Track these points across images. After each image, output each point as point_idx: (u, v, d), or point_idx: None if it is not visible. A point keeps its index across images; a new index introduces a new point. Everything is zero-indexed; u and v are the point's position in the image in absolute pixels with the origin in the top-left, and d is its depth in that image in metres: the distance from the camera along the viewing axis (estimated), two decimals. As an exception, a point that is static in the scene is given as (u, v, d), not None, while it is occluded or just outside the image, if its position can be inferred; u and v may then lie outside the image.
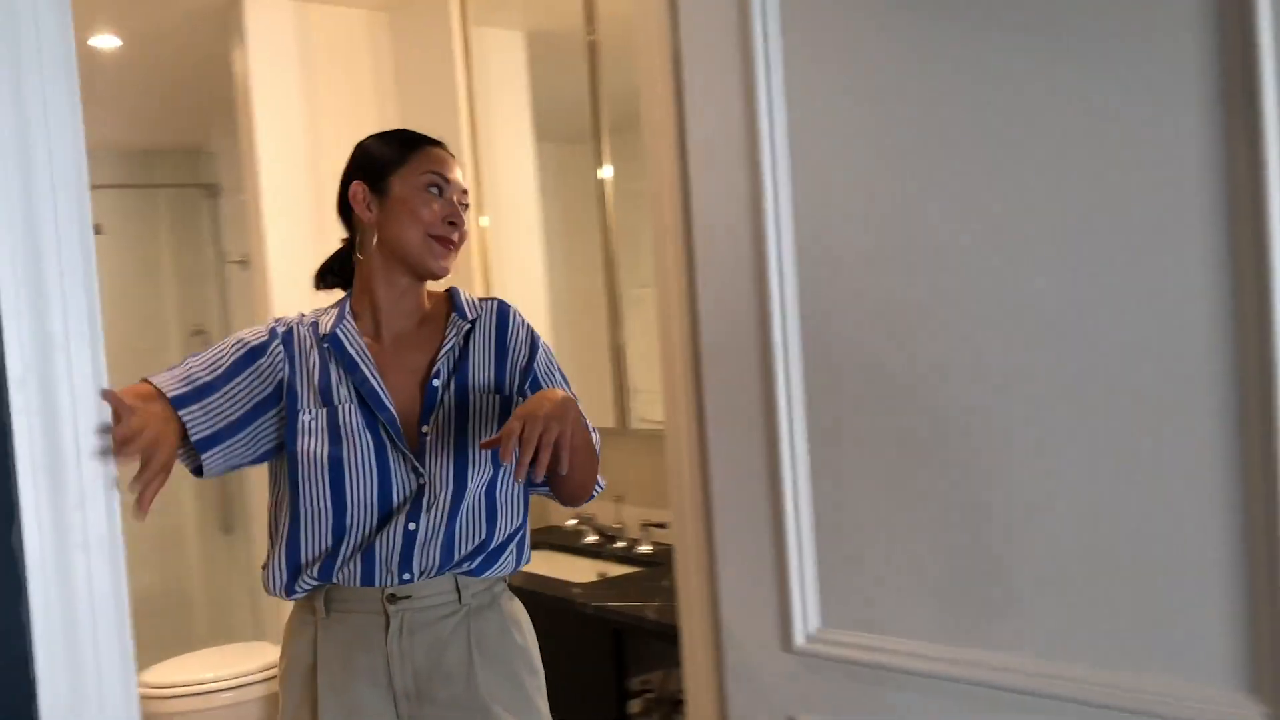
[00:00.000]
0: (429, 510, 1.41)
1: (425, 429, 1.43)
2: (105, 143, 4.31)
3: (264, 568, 1.47)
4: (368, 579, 1.40)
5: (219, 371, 1.40)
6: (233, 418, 1.39)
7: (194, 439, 1.35)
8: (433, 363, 1.47)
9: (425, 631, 1.42)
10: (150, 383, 1.35)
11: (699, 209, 1.33)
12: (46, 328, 0.81)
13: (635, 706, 2.22)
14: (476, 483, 1.44)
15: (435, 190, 1.45)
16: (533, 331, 1.55)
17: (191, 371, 1.38)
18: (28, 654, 0.79)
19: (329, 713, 1.40)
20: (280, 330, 1.47)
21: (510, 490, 1.49)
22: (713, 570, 1.39)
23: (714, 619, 1.39)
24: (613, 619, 2.15)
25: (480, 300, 1.55)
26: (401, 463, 1.42)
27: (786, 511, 1.29)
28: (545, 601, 2.25)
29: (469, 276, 2.94)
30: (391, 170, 1.46)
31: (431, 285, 1.53)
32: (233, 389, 1.40)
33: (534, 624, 1.55)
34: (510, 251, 2.98)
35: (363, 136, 1.54)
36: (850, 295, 1.22)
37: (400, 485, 1.41)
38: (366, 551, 1.40)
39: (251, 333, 1.47)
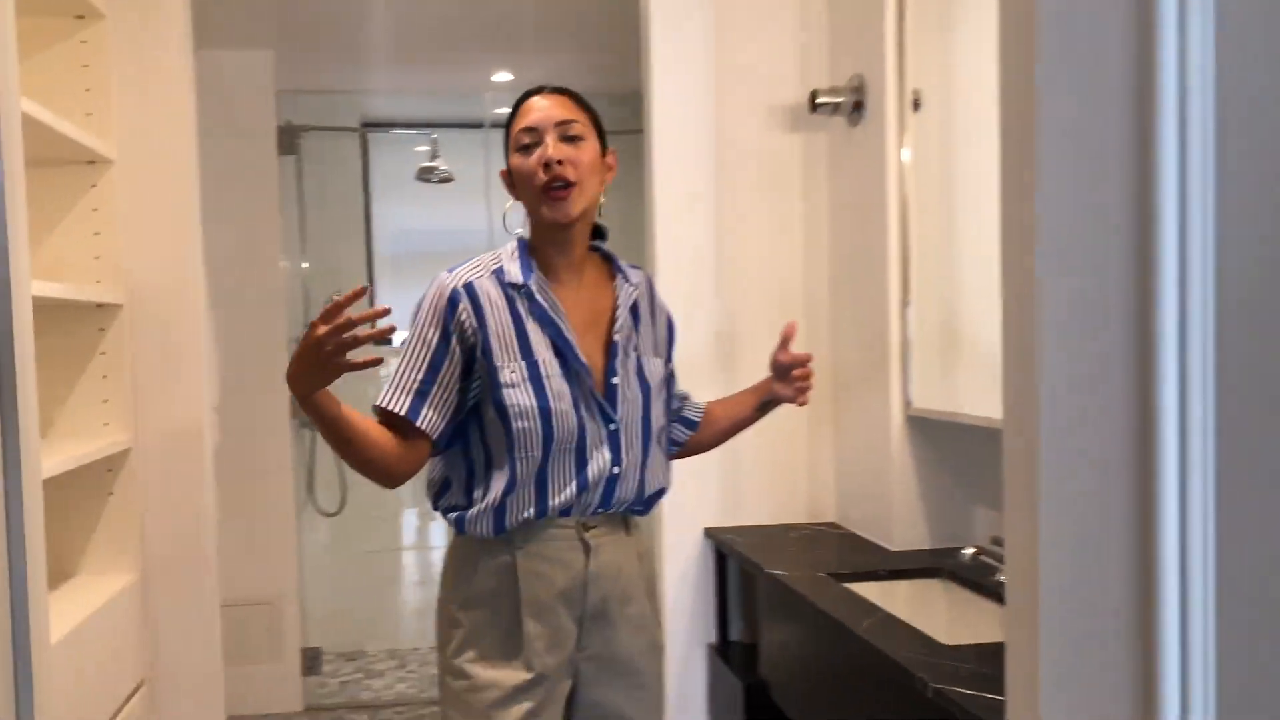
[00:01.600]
0: (627, 453, 1.53)
1: (614, 379, 1.53)
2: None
3: (453, 510, 1.54)
4: (565, 511, 1.51)
5: (428, 370, 1.49)
6: (452, 400, 1.50)
7: (434, 437, 1.49)
8: (611, 318, 1.56)
9: (612, 559, 1.55)
10: (383, 408, 1.48)
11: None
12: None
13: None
14: (658, 429, 1.58)
15: (525, 149, 1.50)
16: (666, 307, 1.70)
17: (405, 382, 1.48)
18: None
19: (533, 632, 1.51)
20: (462, 290, 1.50)
21: (660, 446, 1.61)
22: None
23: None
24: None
25: (632, 267, 1.64)
26: (597, 411, 1.51)
27: (1164, 539, 0.72)
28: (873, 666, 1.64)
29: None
30: (507, 139, 1.56)
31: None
32: (443, 377, 1.49)
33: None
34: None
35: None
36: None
37: (596, 431, 1.51)
38: (580, 487, 1.51)
39: (432, 307, 1.50)
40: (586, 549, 1.53)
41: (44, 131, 1.90)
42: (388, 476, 1.49)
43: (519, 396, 1.47)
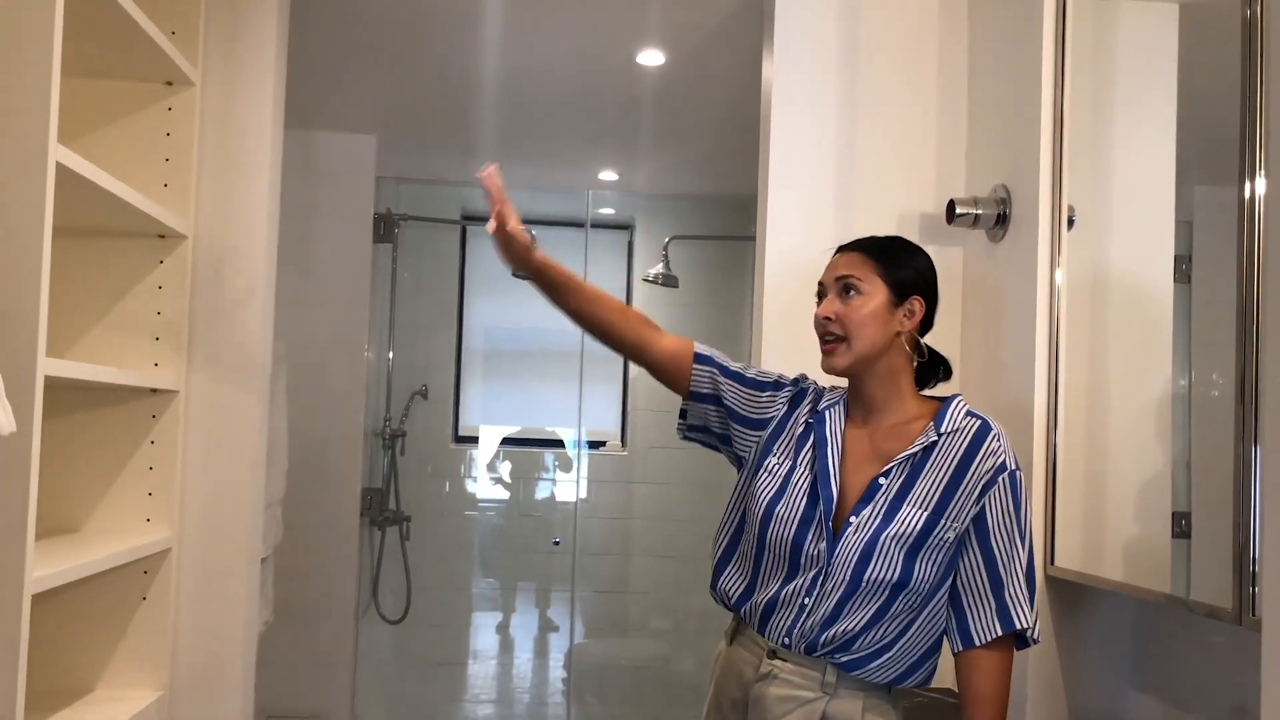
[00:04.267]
0: (822, 589, 1.54)
1: (852, 518, 1.55)
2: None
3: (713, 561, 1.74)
4: (762, 627, 1.59)
5: (745, 373, 1.72)
6: (725, 400, 1.70)
7: (691, 390, 1.71)
8: (890, 461, 1.58)
9: (783, 694, 1.55)
10: (692, 341, 1.74)
11: None
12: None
13: None
14: (874, 580, 1.52)
15: (818, 298, 1.66)
16: (1005, 469, 1.55)
17: (724, 356, 1.74)
18: None
19: None
20: (801, 385, 1.72)
21: (920, 614, 1.56)
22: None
23: None
24: None
25: (970, 415, 1.59)
26: (817, 539, 1.55)
27: None
28: None
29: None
30: None
31: (939, 390, 1.70)
32: (741, 390, 1.70)
33: None
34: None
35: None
36: None
37: (809, 558, 1.56)
38: (768, 603, 1.58)
39: (785, 375, 1.74)
40: (758, 670, 1.58)
41: (109, 199, 1.75)
42: (630, 334, 1.72)
43: (764, 485, 1.62)
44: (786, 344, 2.24)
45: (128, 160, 2.04)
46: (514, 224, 1.68)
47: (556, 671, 4.48)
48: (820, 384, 1.74)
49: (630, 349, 1.74)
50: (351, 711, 3.50)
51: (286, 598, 3.31)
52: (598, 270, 4.37)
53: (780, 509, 1.60)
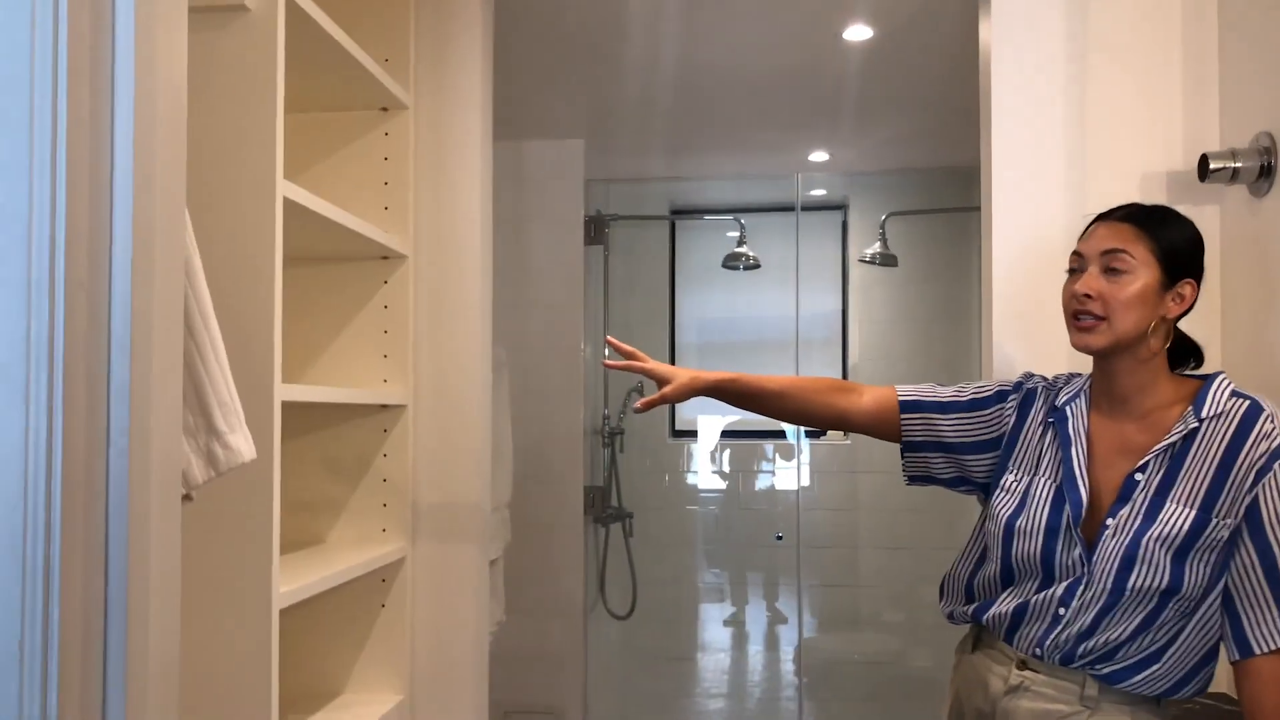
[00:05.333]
0: (1080, 598, 1.43)
1: (1109, 521, 1.43)
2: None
3: (945, 578, 1.66)
4: (1009, 636, 1.50)
5: (958, 399, 1.60)
6: (945, 439, 1.59)
7: (903, 440, 1.61)
8: (1146, 453, 1.44)
9: (1038, 708, 1.46)
10: (895, 388, 1.63)
11: None
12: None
13: None
14: (1138, 588, 1.40)
15: (1070, 273, 1.50)
16: None
17: (933, 389, 1.63)
18: None
19: None
20: (1026, 386, 1.59)
21: (1191, 619, 1.42)
22: None
23: None
24: None
25: (1236, 396, 1.43)
26: (1069, 547, 1.45)
27: None
28: None
29: None
30: None
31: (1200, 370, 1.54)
32: (961, 418, 1.59)
33: None
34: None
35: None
36: None
37: (1064, 568, 1.45)
38: (1017, 612, 1.48)
39: (1000, 381, 1.63)
40: (1007, 682, 1.49)
41: (333, 227, 1.83)
42: (828, 411, 1.64)
43: (1002, 503, 1.52)
44: (1020, 319, 2.08)
45: (350, 187, 2.13)
46: (652, 364, 1.67)
47: (786, 666, 4.41)
48: (1049, 377, 1.60)
49: (833, 423, 1.67)
50: (584, 706, 3.57)
51: (518, 597, 3.41)
52: (811, 254, 4.25)
53: (1022, 522, 1.48)
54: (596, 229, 3.88)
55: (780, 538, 4.26)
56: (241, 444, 1.32)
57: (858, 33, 2.76)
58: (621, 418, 4.15)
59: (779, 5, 2.58)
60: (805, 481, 4.34)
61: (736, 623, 4.48)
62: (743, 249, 4.10)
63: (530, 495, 3.50)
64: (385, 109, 2.14)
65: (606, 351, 4.16)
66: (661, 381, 1.67)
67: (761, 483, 4.44)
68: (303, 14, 1.64)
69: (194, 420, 1.29)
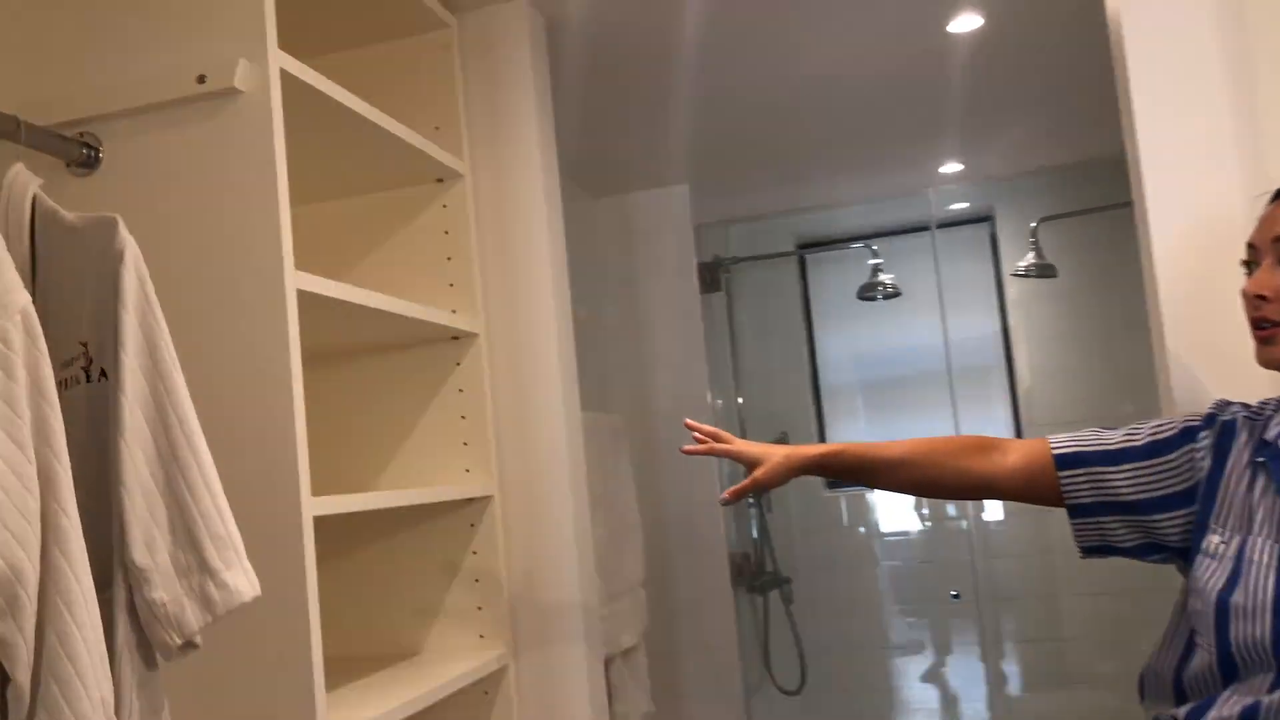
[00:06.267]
0: None
1: None
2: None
3: (1144, 672, 1.31)
4: None
5: (1132, 443, 1.28)
6: (1124, 497, 1.27)
7: (1067, 504, 1.30)
8: None
9: None
10: (1047, 440, 1.33)
11: None
12: None
13: None
14: None
15: (1245, 265, 1.25)
16: None
17: (1098, 436, 1.31)
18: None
19: None
20: (1221, 419, 1.26)
21: None
22: None
23: None
24: None
25: None
26: None
27: None
28: None
29: None
30: None
31: None
32: (1139, 468, 1.27)
33: None
34: None
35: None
36: None
37: None
38: (1245, 717, 1.14)
39: (1181, 416, 1.31)
40: None
41: (376, 314, 1.67)
42: (964, 477, 1.33)
43: (1208, 573, 1.19)
44: (1198, 326, 1.70)
45: (414, 266, 1.98)
46: (738, 445, 1.46)
47: (988, 731, 3.96)
48: (1252, 404, 1.27)
49: (973, 491, 1.37)
50: (758, 793, 3.27)
51: (667, 683, 3.15)
52: (956, 274, 3.89)
53: (1239, 598, 1.14)
54: (712, 275, 3.64)
55: (956, 596, 3.84)
56: (240, 581, 1.15)
57: (965, 22, 2.45)
58: (767, 473, 3.86)
59: (867, 7, 2.31)
60: (984, 529, 3.92)
61: (928, 687, 4.06)
62: (879, 277, 3.78)
63: (670, 571, 3.26)
64: (440, 180, 1.99)
65: (741, 401, 3.91)
66: (751, 464, 1.43)
67: (935, 531, 4.03)
68: (312, 90, 1.50)
69: (184, 558, 1.13)
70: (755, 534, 3.73)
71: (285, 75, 1.42)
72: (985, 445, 1.36)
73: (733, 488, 1.44)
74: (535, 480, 1.96)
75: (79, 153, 1.39)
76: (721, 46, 2.42)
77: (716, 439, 1.48)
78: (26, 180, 1.23)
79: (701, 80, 2.61)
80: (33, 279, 1.22)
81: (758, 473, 1.41)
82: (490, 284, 2.01)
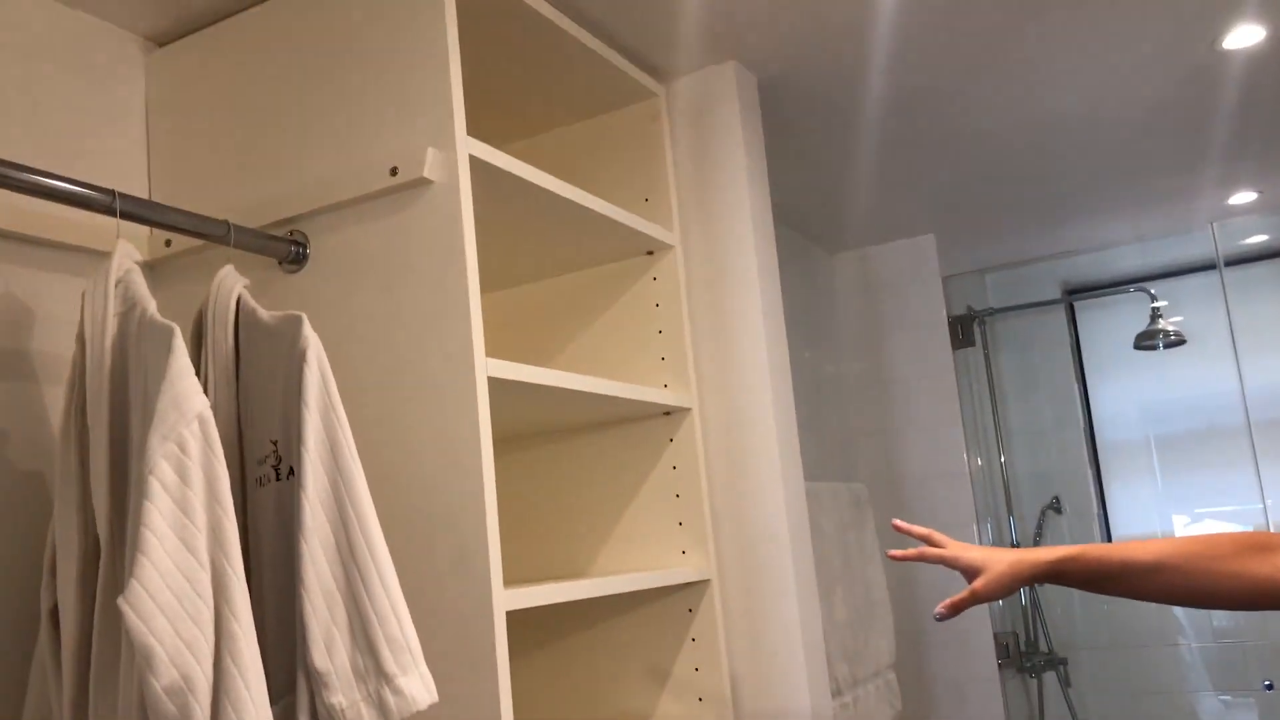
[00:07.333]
0: None
1: None
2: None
3: None
4: None
5: None
6: None
7: None
8: None
9: None
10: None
11: None
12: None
13: None
14: None
15: None
16: None
17: None
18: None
19: None
20: None
21: None
22: None
23: None
24: None
25: None
26: None
27: None
28: None
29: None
30: None
31: None
32: None
33: None
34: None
35: None
36: None
37: None
38: None
39: None
40: None
41: (602, 399, 1.64)
42: (1222, 576, 1.11)
43: None
44: None
45: (626, 342, 1.94)
46: (953, 550, 1.29)
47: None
48: None
49: (1248, 599, 1.13)
50: None
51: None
52: (1251, 315, 3.41)
53: None
54: (965, 328, 3.39)
55: (1270, 686, 3.31)
56: (416, 688, 1.11)
57: (1242, 37, 2.14)
58: (1036, 541, 3.52)
59: (1129, 29, 2.07)
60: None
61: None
62: (1159, 324, 3.38)
63: (926, 652, 3.01)
64: (650, 252, 1.94)
65: (1004, 462, 3.61)
66: (970, 573, 1.26)
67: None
68: (505, 174, 1.49)
69: (362, 662, 1.11)
70: (1025, 609, 3.39)
71: (475, 162, 1.42)
72: (1267, 544, 1.11)
73: (948, 600, 1.26)
74: (755, 561, 1.85)
75: (288, 250, 1.44)
76: (960, 87, 2.24)
77: (929, 541, 1.32)
78: (233, 282, 1.28)
79: (940, 125, 2.43)
80: (236, 378, 1.26)
81: (977, 584, 1.23)
82: (703, 356, 1.93)
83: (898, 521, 1.37)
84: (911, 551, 1.32)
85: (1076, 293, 3.78)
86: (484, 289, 2.07)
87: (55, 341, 1.47)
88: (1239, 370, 3.28)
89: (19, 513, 1.38)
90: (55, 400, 1.45)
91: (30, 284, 1.45)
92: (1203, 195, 3.15)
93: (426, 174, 1.38)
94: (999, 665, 3.04)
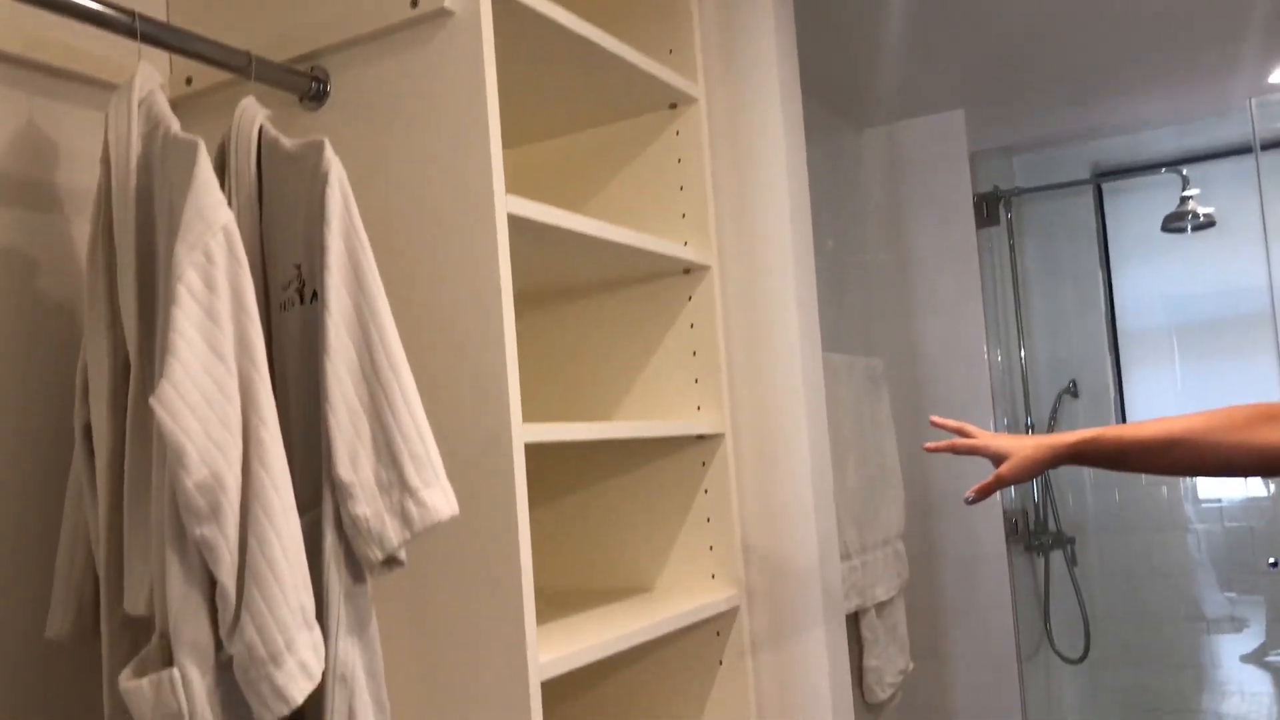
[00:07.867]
0: None
1: None
2: None
3: None
4: None
5: None
6: None
7: None
8: None
9: None
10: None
11: None
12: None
13: None
14: None
15: None
16: None
17: None
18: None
19: None
20: None
21: None
22: None
23: None
24: None
25: None
26: None
27: None
28: None
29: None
30: None
31: None
32: None
33: None
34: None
35: None
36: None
37: None
38: None
39: None
40: None
41: (623, 251, 1.64)
42: (1239, 448, 1.13)
43: None
44: None
45: (647, 197, 1.93)
46: (983, 439, 1.34)
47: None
48: None
49: (1265, 468, 1.16)
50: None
51: (930, 640, 2.98)
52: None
53: None
54: (991, 208, 3.35)
55: (1275, 564, 3.35)
56: (438, 500, 1.15)
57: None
58: (1051, 425, 3.54)
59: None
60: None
61: (1248, 668, 3.60)
62: (1187, 206, 3.33)
63: (936, 525, 3.06)
64: (674, 106, 1.92)
65: (1024, 354, 3.61)
66: (998, 458, 1.30)
67: (1249, 492, 3.54)
68: (529, 11, 1.47)
69: (386, 475, 1.14)
70: (1036, 489, 3.43)
71: (497, -5, 1.40)
72: (1273, 414, 1.12)
73: (977, 485, 1.31)
74: (770, 420, 1.87)
75: (308, 85, 1.43)
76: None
77: (961, 433, 1.37)
78: (255, 112, 1.28)
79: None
80: (259, 206, 1.27)
81: (1002, 469, 1.29)
82: (724, 215, 1.92)
83: (935, 417, 1.42)
84: (944, 443, 1.36)
85: (1105, 175, 3.71)
86: (505, 144, 2.06)
87: (80, 175, 1.48)
88: (1268, 258, 3.24)
89: (50, 341, 1.41)
90: (81, 231, 1.47)
91: (53, 116, 1.46)
92: (1242, 71, 3.07)
93: (447, 4, 1.36)
94: (1007, 542, 3.09)
